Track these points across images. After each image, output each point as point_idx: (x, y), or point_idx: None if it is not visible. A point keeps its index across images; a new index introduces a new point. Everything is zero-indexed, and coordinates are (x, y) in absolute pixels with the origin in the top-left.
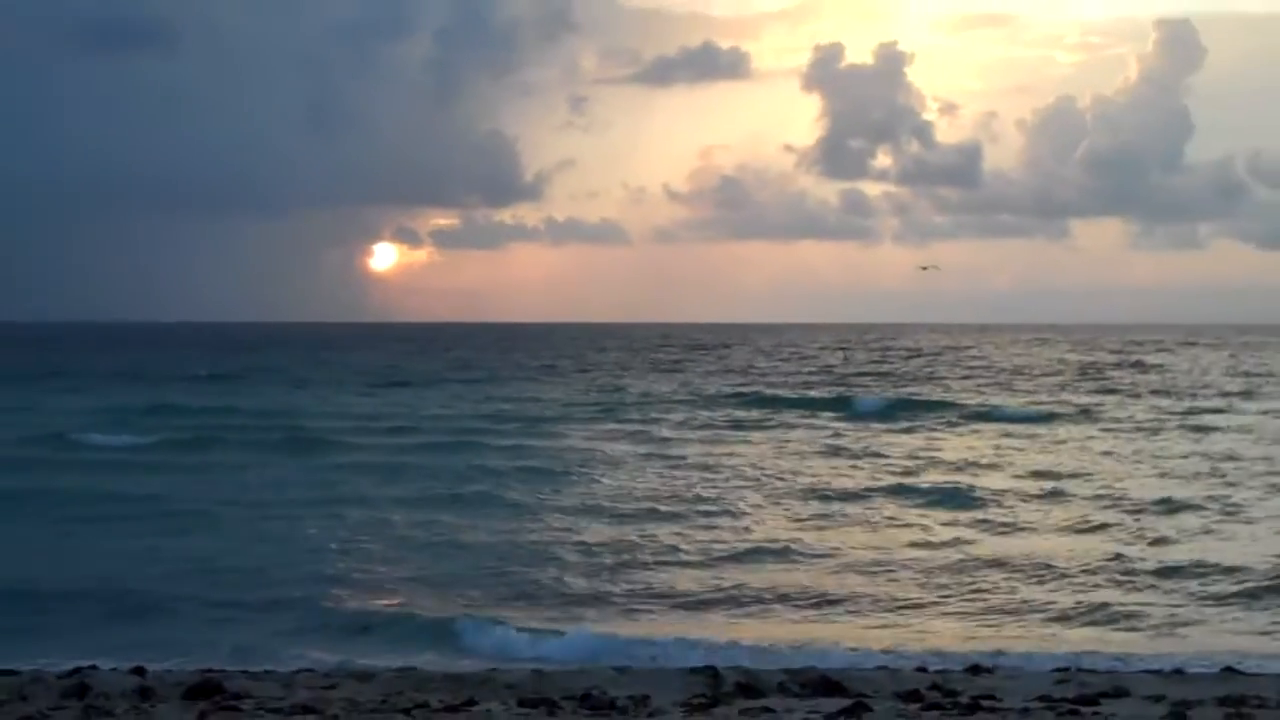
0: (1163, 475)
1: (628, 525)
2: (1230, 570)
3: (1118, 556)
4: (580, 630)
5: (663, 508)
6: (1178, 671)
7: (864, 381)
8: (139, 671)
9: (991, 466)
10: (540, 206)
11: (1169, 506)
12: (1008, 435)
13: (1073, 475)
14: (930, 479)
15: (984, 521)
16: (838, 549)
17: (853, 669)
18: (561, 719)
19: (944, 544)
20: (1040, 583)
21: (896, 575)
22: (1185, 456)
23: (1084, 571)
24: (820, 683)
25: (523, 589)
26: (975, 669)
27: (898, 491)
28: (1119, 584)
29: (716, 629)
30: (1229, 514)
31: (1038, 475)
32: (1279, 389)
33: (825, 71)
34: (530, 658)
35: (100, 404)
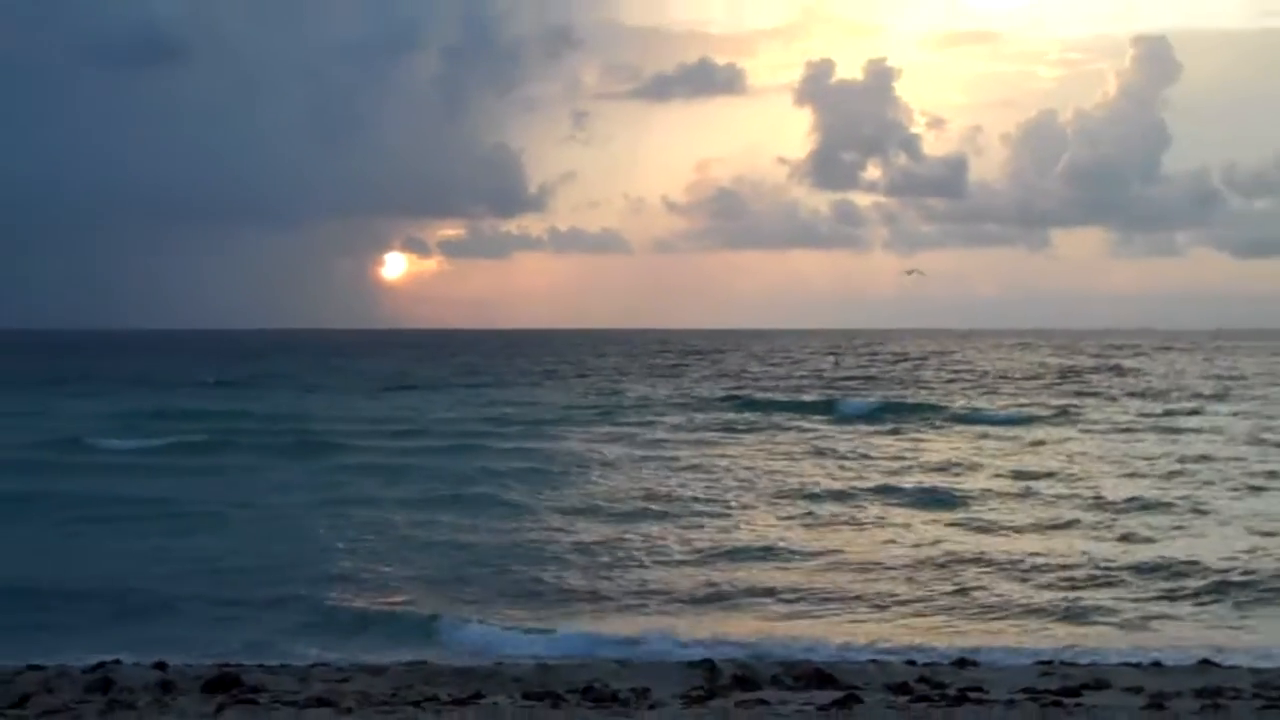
0: (1138, 475)
1: (622, 525)
2: (1203, 567)
3: (1094, 554)
4: (566, 627)
5: (656, 508)
6: (1156, 664)
7: (852, 385)
8: (160, 666)
9: (973, 467)
10: (544, 217)
11: (1144, 506)
12: (989, 437)
13: (1051, 476)
14: (914, 480)
15: (966, 521)
16: (825, 548)
17: (844, 662)
18: (565, 711)
19: (928, 543)
20: (1021, 580)
21: (882, 573)
22: (1160, 457)
23: (1062, 569)
24: (813, 675)
25: (520, 587)
26: (962, 662)
27: (883, 492)
28: (1096, 581)
29: (709, 625)
30: (1201, 513)
31: (1018, 476)
32: (1250, 391)
33: (817, 87)
34: (514, 655)
35: (112, 409)
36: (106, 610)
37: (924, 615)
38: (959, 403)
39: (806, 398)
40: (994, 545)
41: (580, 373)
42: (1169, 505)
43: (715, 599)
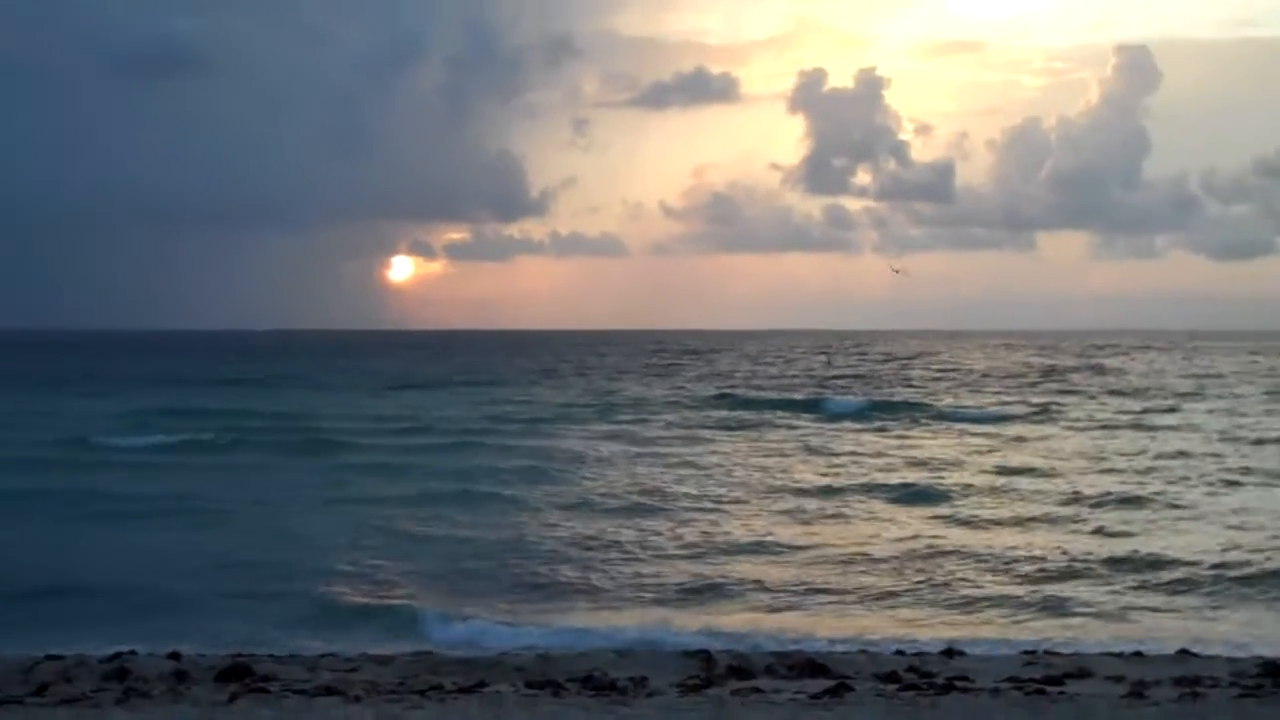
0: (1116, 471)
1: (616, 520)
2: (1179, 561)
3: (1074, 548)
4: (561, 621)
5: (650, 503)
6: (1136, 654)
7: (842, 384)
8: (174, 656)
9: (958, 464)
10: (545, 221)
11: (1122, 501)
12: (974, 434)
13: (1033, 472)
14: (900, 476)
15: (950, 516)
16: (814, 542)
17: (835, 652)
18: (566, 699)
19: (913, 538)
20: (1003, 573)
21: (870, 567)
22: (1138, 454)
23: (1043, 562)
24: (805, 665)
25: (516, 581)
26: (949, 652)
27: (870, 488)
28: (1076, 574)
29: (703, 618)
30: (1178, 508)
31: (1001, 472)
32: (1225, 390)
33: (809, 95)
34: (496, 647)
35: (123, 407)
36: (114, 604)
37: (911, 607)
38: (944, 401)
39: (796, 396)
40: (977, 540)
41: (579, 372)
42: (1147, 500)
43: (708, 592)
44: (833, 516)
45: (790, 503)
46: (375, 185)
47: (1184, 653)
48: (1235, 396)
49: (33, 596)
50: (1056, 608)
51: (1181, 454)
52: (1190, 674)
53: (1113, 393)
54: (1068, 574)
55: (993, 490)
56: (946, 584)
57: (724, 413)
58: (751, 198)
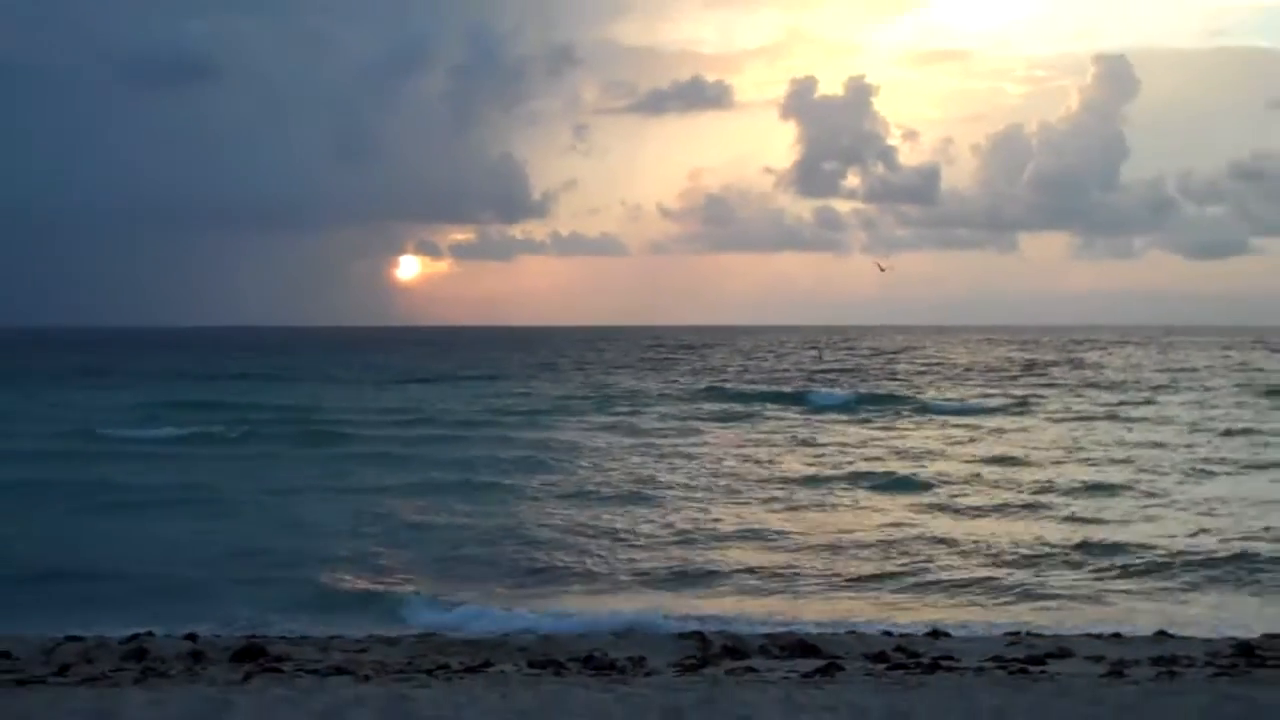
0: (1093, 462)
1: (610, 508)
2: (1154, 547)
3: (1053, 535)
4: (555, 605)
5: (644, 492)
6: (1115, 635)
7: (830, 378)
8: (191, 637)
9: (940, 454)
10: (547, 222)
11: (1099, 490)
12: (956, 425)
13: (1013, 461)
14: (885, 466)
15: (934, 504)
16: (802, 529)
17: (825, 633)
18: (568, 678)
19: (897, 525)
20: (986, 559)
21: (856, 553)
22: (1114, 444)
23: (1023, 548)
24: (797, 645)
25: (512, 567)
26: (934, 633)
27: (855, 477)
28: (1056, 560)
29: (696, 602)
30: (1152, 496)
31: (982, 462)
32: (1198, 383)
33: (801, 102)
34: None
35: (136, 400)
36: (122, 589)
37: (895, 592)
38: (929, 394)
39: (786, 389)
40: (959, 526)
41: (578, 366)
42: (1122, 489)
43: (700, 577)
44: (819, 505)
45: (778, 491)
46: (384, 188)
47: (1161, 634)
48: (1207, 389)
49: (47, 580)
50: (1036, 591)
51: (1155, 444)
52: (1167, 654)
53: (1090, 386)
54: (1046, 559)
55: (973, 479)
56: (929, 569)
57: (716, 405)
58: (745, 200)
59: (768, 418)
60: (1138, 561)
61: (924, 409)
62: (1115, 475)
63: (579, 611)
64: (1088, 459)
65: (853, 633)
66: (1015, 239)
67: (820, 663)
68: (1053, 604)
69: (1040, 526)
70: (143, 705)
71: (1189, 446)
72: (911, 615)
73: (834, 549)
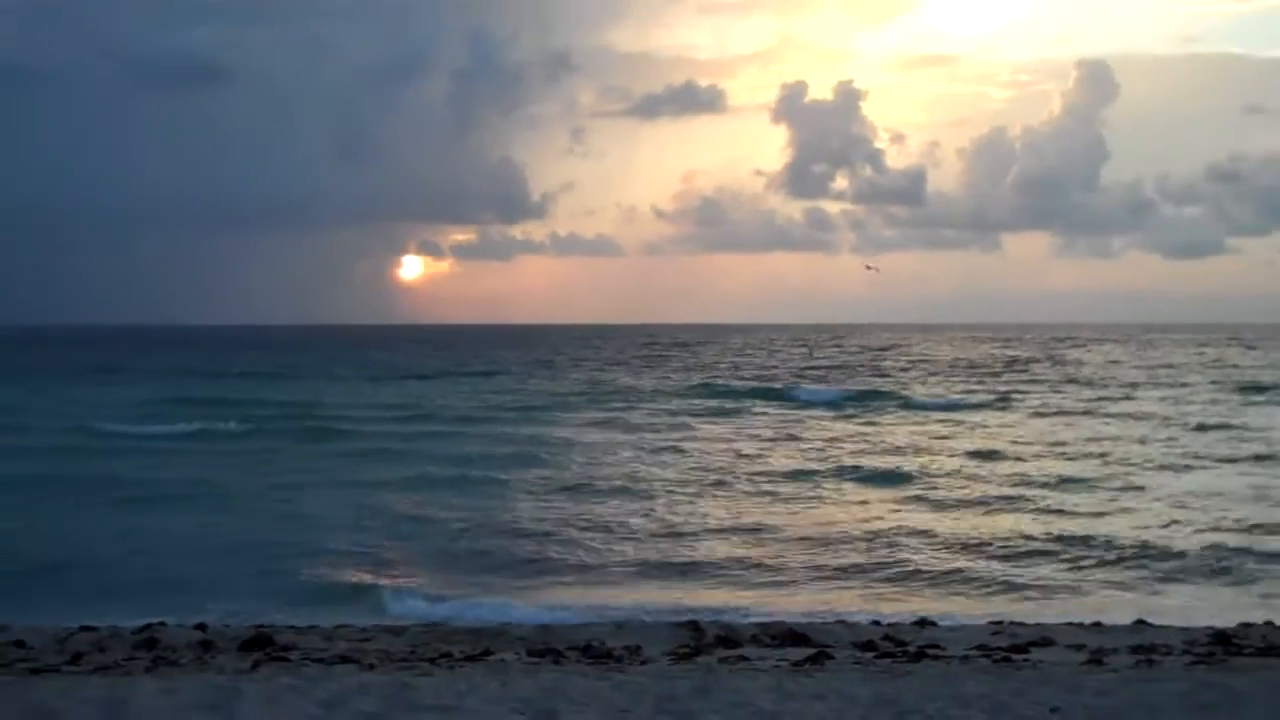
0: (1073, 456)
1: (602, 502)
2: (1133, 540)
3: (1034, 528)
4: (546, 598)
5: (634, 486)
6: (1096, 624)
7: (819, 374)
8: (201, 627)
9: (924, 449)
10: (545, 223)
11: (1079, 483)
12: (940, 421)
13: (995, 456)
14: (870, 461)
15: (918, 498)
16: (790, 523)
17: (814, 623)
18: (566, 666)
19: (882, 518)
20: (967, 551)
21: (841, 546)
22: (1092, 439)
23: (1005, 541)
24: (787, 634)
25: (506, 560)
26: (921, 623)
27: (841, 471)
28: (1036, 551)
29: (686, 594)
30: (1129, 489)
31: (965, 456)
32: (1175, 379)
33: (791, 106)
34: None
35: (143, 397)
36: (120, 581)
37: (881, 583)
38: (914, 390)
39: (775, 385)
40: (943, 520)
41: (574, 363)
42: (1100, 482)
43: (691, 569)
44: (807, 498)
45: (767, 485)
46: (387, 189)
47: (1140, 623)
48: (1183, 386)
49: (53, 572)
50: (1017, 582)
51: (1132, 439)
52: (1146, 642)
53: (1070, 382)
54: (1028, 551)
55: (956, 473)
56: (913, 561)
57: (707, 401)
58: (737, 201)
59: (757, 413)
60: (1115, 553)
61: (909, 405)
62: (1093, 469)
63: (573, 604)
64: (1067, 454)
65: (841, 622)
66: (999, 239)
67: (810, 651)
68: (1033, 594)
69: (1021, 519)
70: (154, 693)
71: (1164, 441)
72: (896, 606)
73: (821, 542)
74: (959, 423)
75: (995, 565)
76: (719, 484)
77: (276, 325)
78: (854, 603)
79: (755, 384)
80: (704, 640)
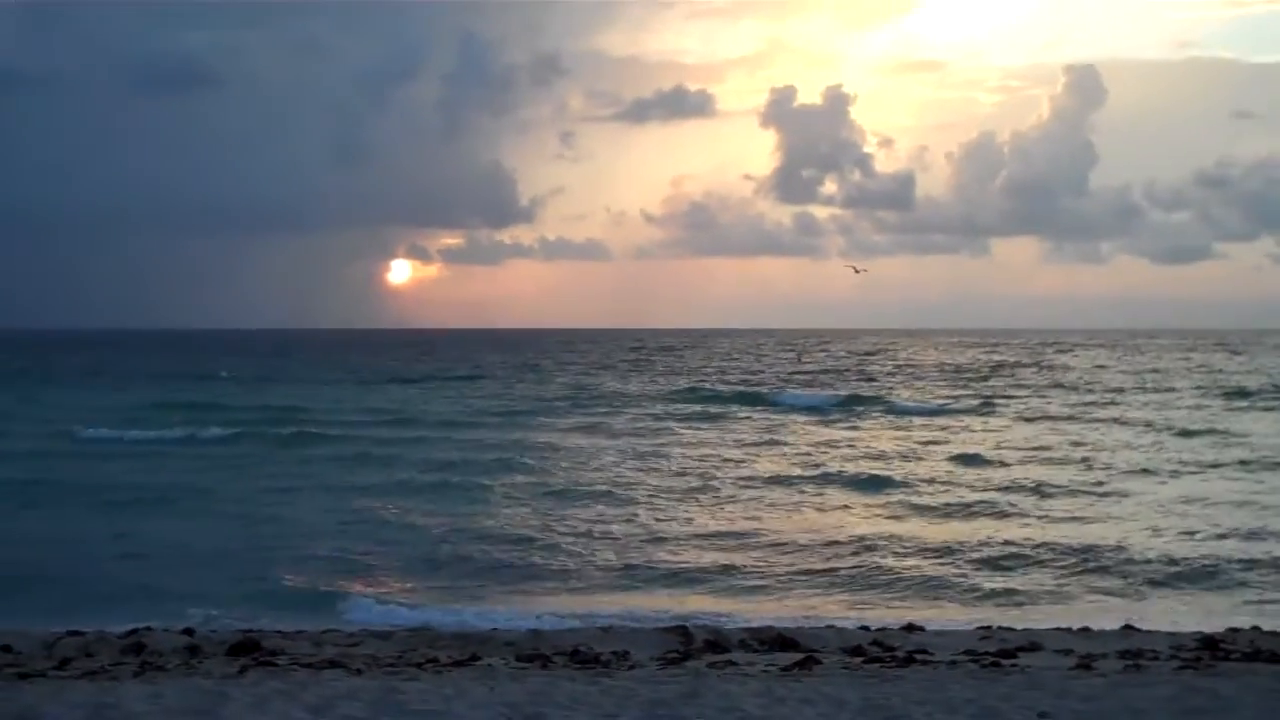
0: (1058, 461)
1: (583, 508)
2: (1117, 544)
3: (1018, 534)
4: (530, 605)
5: (617, 492)
6: (1084, 629)
7: (805, 378)
8: (188, 632)
9: (909, 454)
10: (534, 228)
11: (1064, 489)
12: (925, 426)
13: (980, 462)
14: (855, 466)
15: (902, 504)
16: (773, 529)
17: (803, 628)
18: (554, 671)
19: (867, 523)
20: (953, 557)
21: (826, 552)
22: (1078, 445)
23: (990, 547)
24: (776, 639)
25: (482, 567)
26: (910, 628)
27: (825, 478)
28: (1022, 557)
29: (672, 601)
30: (1115, 495)
31: (950, 461)
32: (1160, 384)
33: (780, 110)
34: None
35: (125, 401)
36: (72, 589)
37: (868, 590)
38: (900, 394)
39: (761, 390)
40: (928, 525)
41: (560, 367)
42: (1085, 487)
43: (676, 575)
44: (791, 504)
45: (751, 491)
46: (375, 194)
47: (1128, 628)
48: (1169, 391)
49: (32, 578)
50: (1003, 588)
51: (1117, 444)
52: (1133, 648)
53: (1056, 387)
54: (1014, 557)
55: (941, 479)
56: (899, 567)
57: (692, 406)
58: (726, 206)
59: (742, 419)
60: (1101, 559)
61: (894, 410)
62: (1078, 475)
63: (557, 610)
64: (1052, 459)
65: (830, 627)
66: (987, 244)
67: (799, 656)
68: (1020, 600)
69: (1006, 525)
70: (141, 698)
71: (1150, 446)
72: (883, 611)
73: (806, 547)
74: (944, 427)
75: (981, 571)
76: (704, 489)
77: (265, 329)
78: (840, 609)
79: (741, 389)
80: (692, 645)
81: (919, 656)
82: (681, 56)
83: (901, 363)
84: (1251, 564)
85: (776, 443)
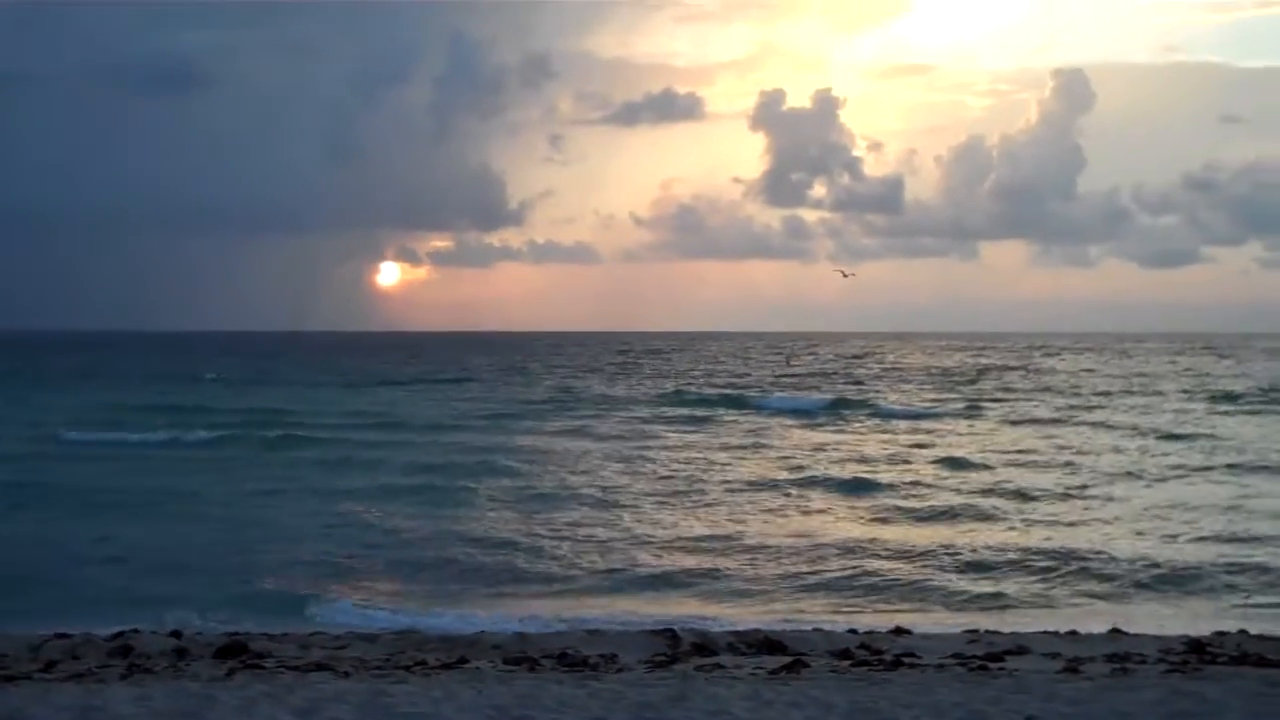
0: (1043, 465)
1: (566, 512)
2: (1102, 548)
3: (1003, 538)
4: (513, 609)
5: (602, 496)
6: (1071, 633)
7: (792, 381)
8: (175, 634)
9: (895, 458)
10: (523, 231)
11: (1049, 492)
12: (912, 430)
13: (966, 465)
14: (841, 470)
15: (888, 508)
16: (759, 532)
17: (791, 631)
18: (541, 674)
19: (853, 527)
20: (939, 560)
21: (812, 555)
22: (1064, 449)
23: (976, 551)
24: (764, 643)
25: (465, 570)
26: (897, 631)
27: (810, 482)
28: (1008, 561)
29: (657, 605)
30: (1101, 498)
31: (935, 465)
32: (1147, 388)
33: (769, 114)
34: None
35: (110, 403)
36: (47, 593)
37: (855, 592)
38: (887, 398)
39: (748, 393)
40: (913, 529)
41: (547, 370)
42: (1071, 490)
43: (661, 579)
44: (776, 508)
45: (737, 495)
46: (365, 197)
47: (1116, 631)
48: (1156, 395)
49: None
50: (989, 592)
51: (1104, 448)
52: (1121, 651)
53: (1043, 391)
54: (1000, 560)
55: (926, 483)
56: (885, 571)
57: (678, 409)
58: (715, 209)
59: (729, 422)
60: (1088, 563)
61: (881, 413)
62: (1064, 478)
63: (542, 615)
64: (1037, 462)
65: (817, 630)
66: (976, 247)
67: (786, 659)
68: (1007, 604)
69: (993, 528)
70: (128, 700)
71: (1137, 450)
72: (869, 615)
73: (792, 551)
74: (930, 431)
75: (967, 574)
76: (689, 493)
77: (255, 332)
78: (827, 612)
79: (727, 392)
80: (680, 648)
81: (906, 660)
82: (671, 59)
83: (889, 366)
84: (1238, 568)
85: (763, 446)
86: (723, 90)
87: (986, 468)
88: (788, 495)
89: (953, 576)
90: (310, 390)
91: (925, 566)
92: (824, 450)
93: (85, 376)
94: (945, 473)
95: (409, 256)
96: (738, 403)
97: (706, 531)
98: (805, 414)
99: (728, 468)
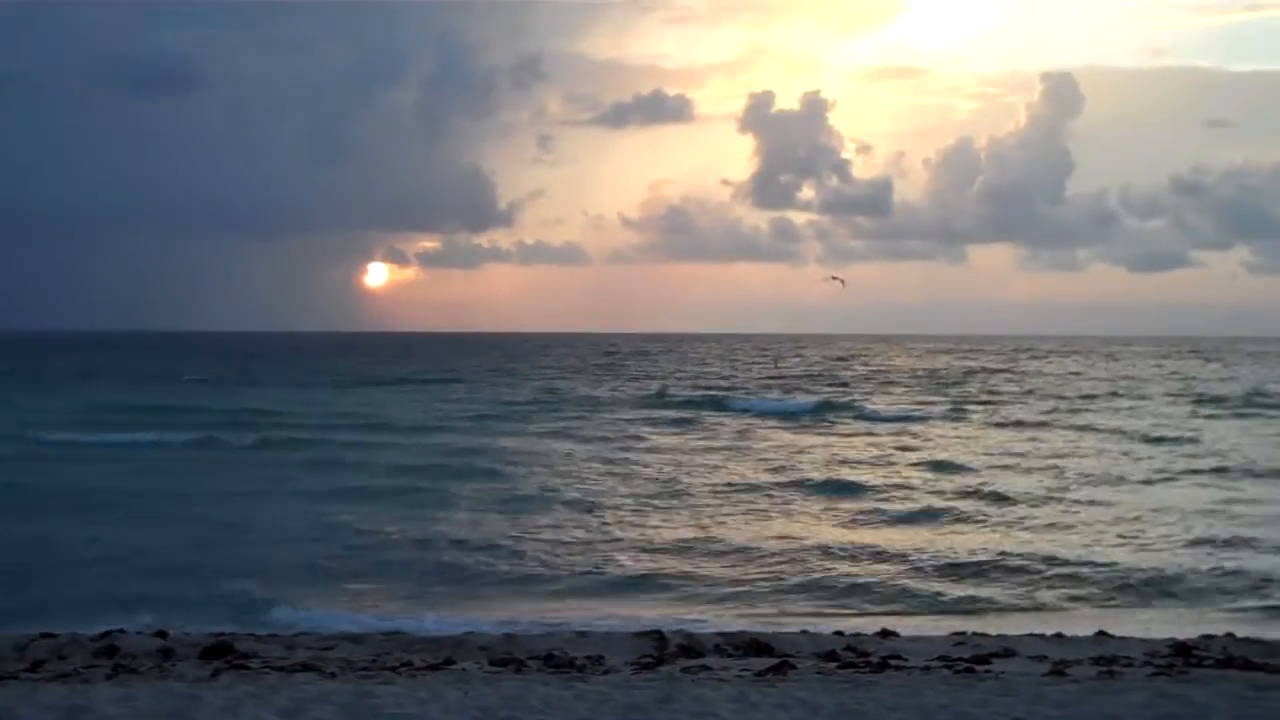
0: (1028, 468)
1: (550, 514)
2: (1086, 552)
3: (987, 541)
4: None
5: (587, 498)
6: (1057, 635)
7: (780, 383)
8: (161, 634)
9: (880, 461)
10: (512, 231)
11: (1033, 495)
12: (896, 433)
13: (951, 468)
14: (826, 473)
15: (872, 511)
16: (743, 535)
17: (777, 633)
18: (528, 675)
19: (838, 530)
20: (923, 564)
21: (796, 558)
22: (1049, 453)
23: (960, 554)
24: (750, 645)
25: (451, 572)
26: (883, 633)
27: (795, 484)
28: (992, 564)
29: (640, 608)
30: (1085, 502)
31: (923, 467)
32: (1133, 391)
33: (758, 116)
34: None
35: (92, 403)
36: (40, 592)
37: (840, 594)
38: (873, 400)
39: (733, 396)
40: (897, 532)
41: (534, 371)
42: (1055, 494)
43: (645, 582)
44: (761, 510)
45: (722, 497)
46: (355, 197)
47: (1102, 634)
48: (1142, 398)
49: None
50: (973, 594)
51: (1089, 451)
52: (1107, 654)
53: (1029, 394)
54: (986, 563)
55: (911, 485)
56: (871, 572)
57: (663, 411)
58: (704, 210)
59: (714, 424)
60: (1073, 565)
61: (866, 416)
62: (1050, 481)
63: (525, 618)
64: (1022, 465)
65: (804, 632)
66: (964, 250)
67: (773, 661)
68: (991, 607)
69: (978, 530)
70: (113, 700)
71: (1122, 454)
72: (855, 619)
73: (777, 553)
74: (915, 434)
75: (954, 577)
76: (673, 495)
77: (246, 332)
78: (814, 614)
79: (713, 394)
80: (667, 650)
81: (893, 662)
82: (661, 61)
83: (875, 369)
84: (1224, 571)
85: (748, 449)
86: (712, 92)
87: (971, 470)
88: (772, 498)
89: (939, 578)
90: (295, 391)
91: (911, 568)
92: (808, 453)
93: (80, 377)
94: (929, 475)
95: (398, 257)
96: (722, 404)
97: (691, 534)
98: (790, 416)
99: (713, 470)
